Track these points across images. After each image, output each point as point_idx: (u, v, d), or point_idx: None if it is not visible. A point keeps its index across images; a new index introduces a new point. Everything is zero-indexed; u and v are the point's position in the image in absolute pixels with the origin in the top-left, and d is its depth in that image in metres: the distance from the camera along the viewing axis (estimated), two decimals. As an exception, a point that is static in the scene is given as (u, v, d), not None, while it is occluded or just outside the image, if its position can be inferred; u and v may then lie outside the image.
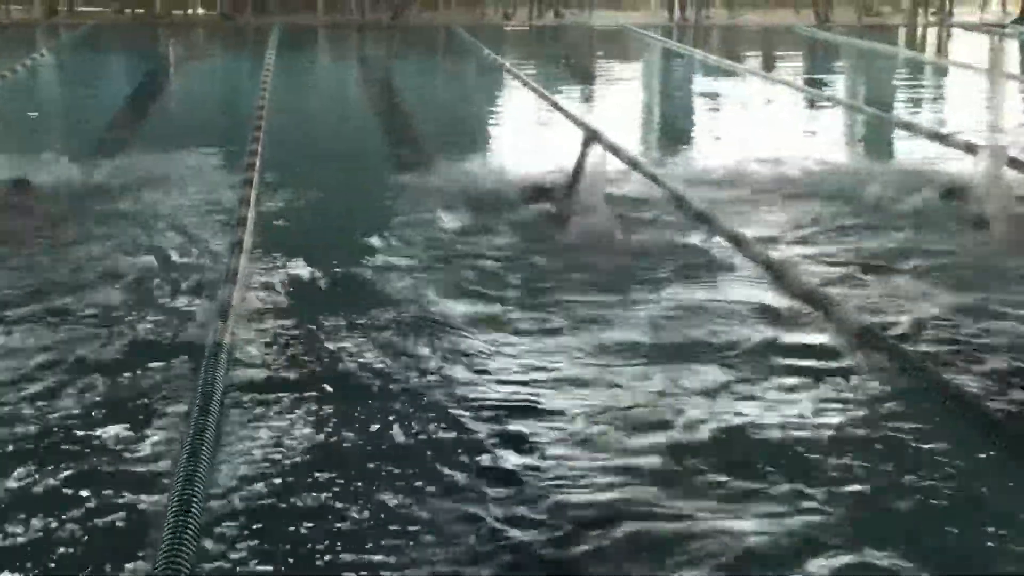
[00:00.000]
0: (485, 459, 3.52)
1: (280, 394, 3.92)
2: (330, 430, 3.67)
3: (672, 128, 9.71)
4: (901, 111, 10.95)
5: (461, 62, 11.26)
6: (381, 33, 18.64)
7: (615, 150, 7.63)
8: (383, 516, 3.17)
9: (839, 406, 3.94)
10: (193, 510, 3.07)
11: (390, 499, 3.25)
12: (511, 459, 3.52)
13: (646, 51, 16.89)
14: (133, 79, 12.69)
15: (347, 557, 2.96)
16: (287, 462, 3.47)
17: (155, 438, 3.60)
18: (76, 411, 3.79)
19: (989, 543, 3.12)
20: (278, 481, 3.35)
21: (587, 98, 11.56)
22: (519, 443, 3.62)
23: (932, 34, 18.80)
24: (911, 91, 13.02)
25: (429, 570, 2.91)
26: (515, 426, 3.74)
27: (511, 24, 19.15)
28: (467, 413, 3.81)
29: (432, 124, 9.11)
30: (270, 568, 2.95)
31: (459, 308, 4.80)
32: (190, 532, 2.95)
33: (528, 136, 8.70)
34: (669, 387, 4.04)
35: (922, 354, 4.37)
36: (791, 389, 4.05)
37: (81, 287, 5.02)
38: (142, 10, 18.68)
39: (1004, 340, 4.56)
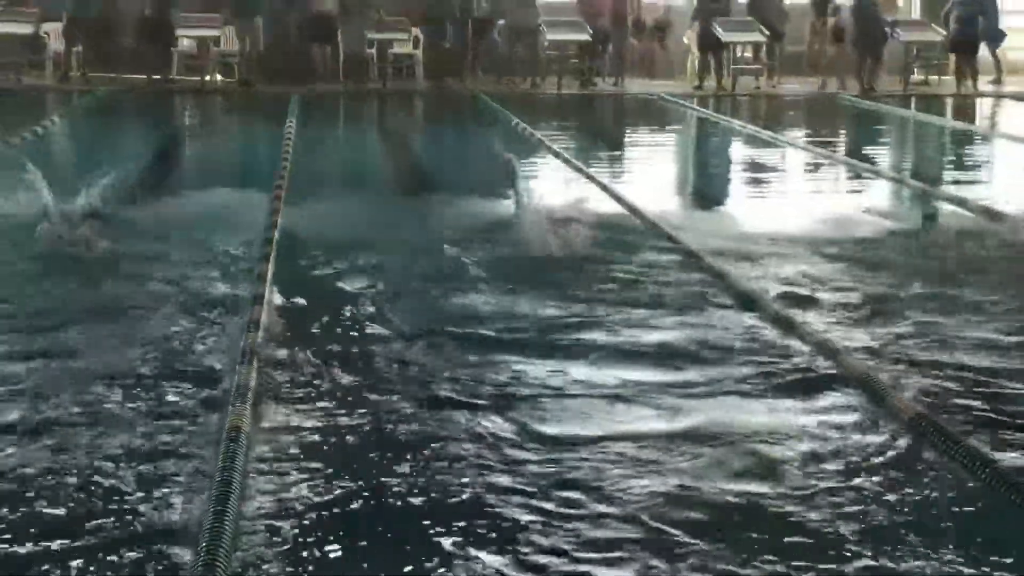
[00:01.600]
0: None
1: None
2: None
3: (721, 209, 9.68)
4: (950, 186, 11.18)
5: (489, 131, 11.47)
6: (404, 101, 19.14)
7: (664, 233, 7.78)
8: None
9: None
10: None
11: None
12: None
13: (681, 121, 17.33)
14: (144, 149, 12.45)
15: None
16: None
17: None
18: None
19: None
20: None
21: (619, 170, 11.88)
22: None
23: (981, 104, 19.12)
24: (959, 163, 13.31)
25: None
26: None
27: (540, 93, 19.59)
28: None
29: (461, 218, 8.23)
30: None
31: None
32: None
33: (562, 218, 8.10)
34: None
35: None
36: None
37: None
38: (158, 76, 19.19)
39: None
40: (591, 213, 8.45)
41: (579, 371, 5.33)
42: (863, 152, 13.75)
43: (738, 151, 14.73)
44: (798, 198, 10.47)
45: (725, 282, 6.91)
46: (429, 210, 8.81)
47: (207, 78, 19.32)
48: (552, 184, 10.11)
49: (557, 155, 12.13)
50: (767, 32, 19.95)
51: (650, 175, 11.62)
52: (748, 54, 20.98)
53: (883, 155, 14.07)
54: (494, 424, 4.68)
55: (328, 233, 7.89)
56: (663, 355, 5.59)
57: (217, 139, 14.91)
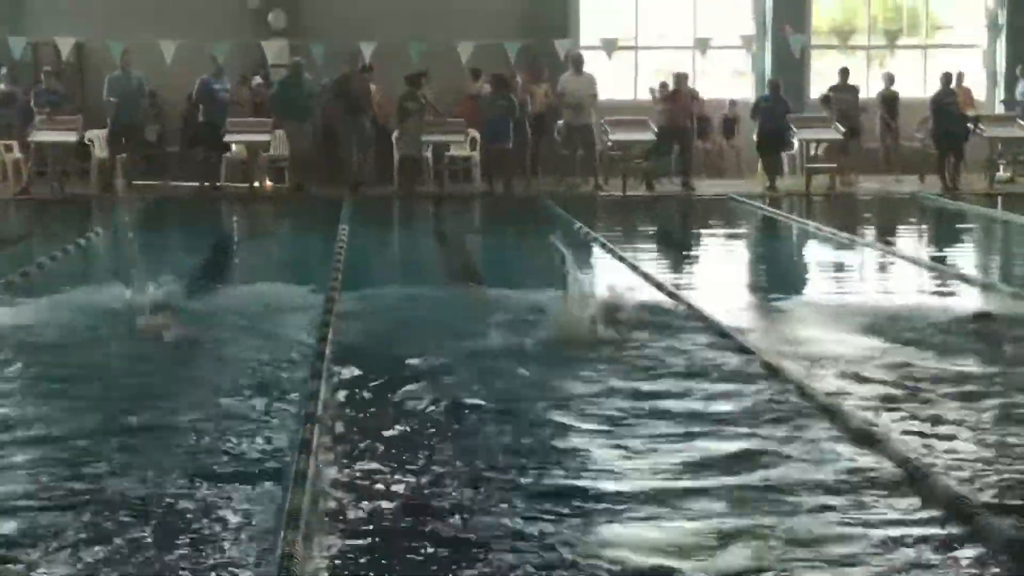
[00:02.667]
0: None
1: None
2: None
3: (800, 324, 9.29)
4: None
5: (551, 238, 11.55)
6: (461, 205, 19.28)
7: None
8: None
9: None
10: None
11: None
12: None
13: (751, 222, 17.29)
14: (189, 260, 12.29)
15: None
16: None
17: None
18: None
19: None
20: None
21: (686, 273, 11.81)
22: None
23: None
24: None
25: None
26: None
27: (604, 194, 19.67)
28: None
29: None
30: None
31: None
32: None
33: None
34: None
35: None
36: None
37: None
38: (207, 183, 19.47)
39: None
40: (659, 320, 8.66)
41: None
42: (947, 254, 13.61)
43: (812, 252, 14.65)
44: (878, 303, 10.32)
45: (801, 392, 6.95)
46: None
47: (256, 184, 19.63)
48: (615, 288, 9.92)
49: (622, 259, 12.11)
50: (842, 128, 19.95)
51: (722, 281, 11.52)
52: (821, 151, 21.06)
53: (968, 256, 13.91)
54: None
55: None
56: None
57: (266, 248, 15.01)
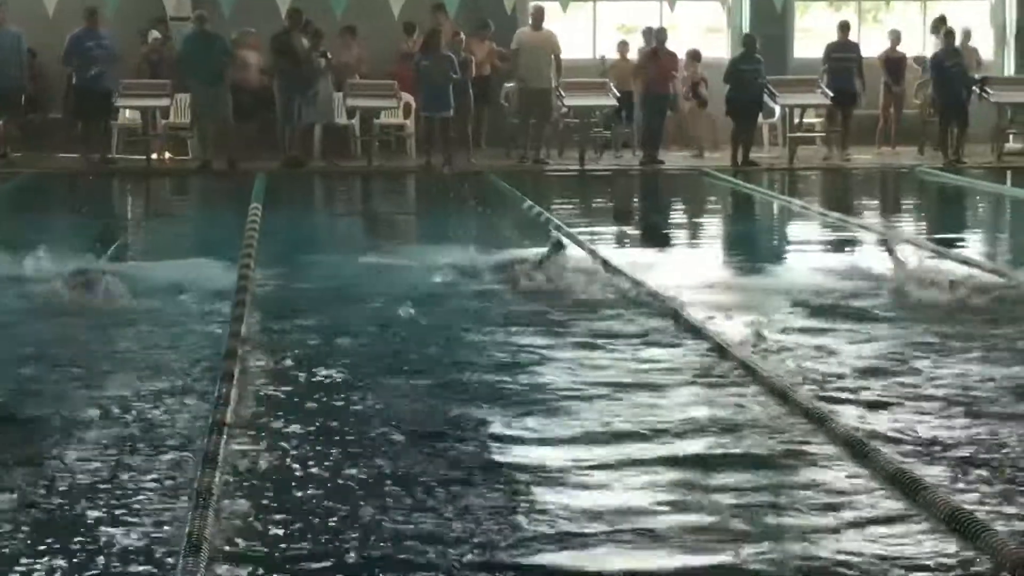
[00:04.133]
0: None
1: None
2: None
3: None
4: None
5: (501, 219, 11.42)
6: (393, 182, 19.05)
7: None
8: None
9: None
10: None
11: None
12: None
13: (727, 201, 17.21)
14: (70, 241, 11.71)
15: None
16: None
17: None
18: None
19: None
20: None
21: (657, 261, 11.63)
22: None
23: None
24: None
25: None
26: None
27: (558, 169, 19.51)
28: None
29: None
30: None
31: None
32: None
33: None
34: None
35: None
36: None
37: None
38: (96, 155, 19.13)
39: None
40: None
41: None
42: (950, 236, 13.47)
43: (796, 234, 14.55)
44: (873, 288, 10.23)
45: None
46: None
47: (154, 156, 19.34)
48: (582, 279, 10.05)
49: (581, 246, 11.91)
50: (830, 93, 19.88)
51: (700, 272, 11.31)
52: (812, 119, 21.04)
53: (973, 240, 13.79)
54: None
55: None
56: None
57: (157, 234, 14.58)
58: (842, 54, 20.18)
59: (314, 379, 7.34)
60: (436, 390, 7.11)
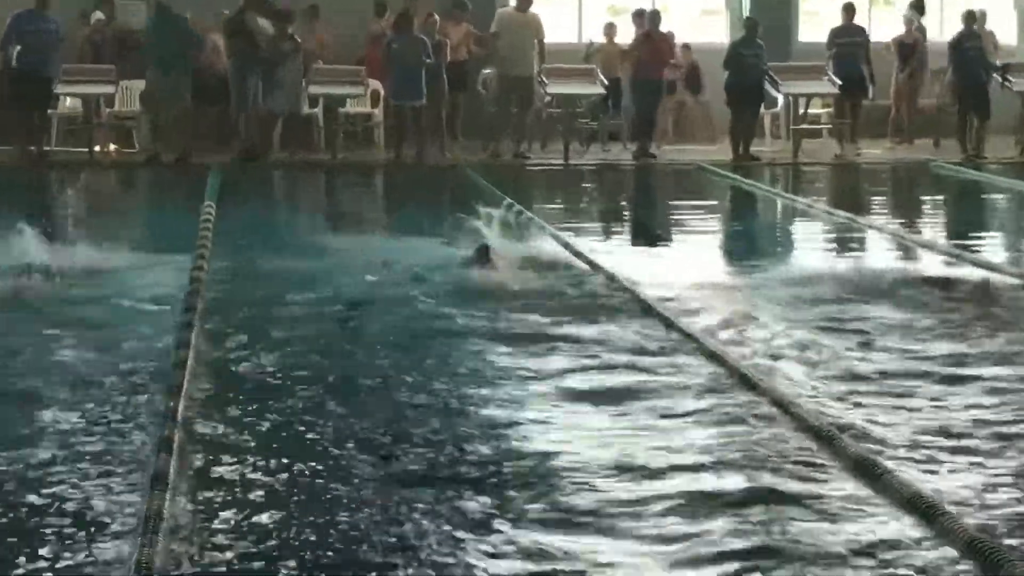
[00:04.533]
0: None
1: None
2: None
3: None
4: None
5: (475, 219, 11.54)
6: (359, 177, 18.99)
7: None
8: None
9: None
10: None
11: None
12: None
13: (723, 198, 17.20)
14: None
15: None
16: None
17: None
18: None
19: None
20: None
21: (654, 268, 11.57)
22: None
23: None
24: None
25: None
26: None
27: (541, 163, 19.47)
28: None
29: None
30: None
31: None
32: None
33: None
34: None
35: None
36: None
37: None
38: (33, 147, 19.02)
39: None
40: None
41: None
42: (970, 242, 13.43)
43: (800, 236, 14.53)
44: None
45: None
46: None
47: (97, 148, 19.23)
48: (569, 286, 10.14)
49: (567, 247, 11.87)
50: (838, 81, 19.87)
51: (692, 277, 11.26)
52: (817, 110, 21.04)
53: (992, 242, 13.74)
54: None
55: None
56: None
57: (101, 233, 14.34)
58: (847, 39, 20.15)
59: (267, 400, 7.30)
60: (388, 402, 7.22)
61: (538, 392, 7.44)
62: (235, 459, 6.31)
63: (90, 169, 18.86)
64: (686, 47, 21.39)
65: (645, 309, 9.33)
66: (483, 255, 10.77)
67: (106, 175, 19.01)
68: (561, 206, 16.52)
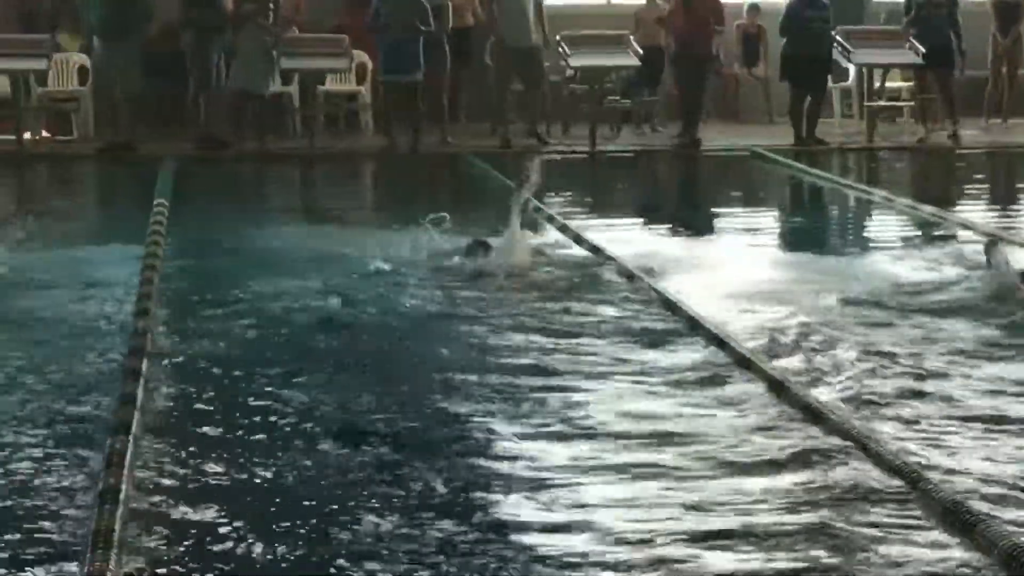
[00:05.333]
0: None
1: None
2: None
3: None
4: None
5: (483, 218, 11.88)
6: (342, 169, 18.86)
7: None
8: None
9: None
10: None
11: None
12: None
13: (780, 193, 17.11)
14: None
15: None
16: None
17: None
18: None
19: None
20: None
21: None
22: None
23: None
24: None
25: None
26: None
27: (560, 149, 19.37)
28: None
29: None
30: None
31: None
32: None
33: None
34: None
35: None
36: None
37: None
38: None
39: None
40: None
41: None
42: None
43: (875, 235, 14.35)
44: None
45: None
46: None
47: (27, 135, 19.17)
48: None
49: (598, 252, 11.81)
50: (921, 48, 19.72)
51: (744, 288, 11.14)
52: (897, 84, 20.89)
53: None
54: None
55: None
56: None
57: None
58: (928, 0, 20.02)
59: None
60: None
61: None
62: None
63: (19, 161, 18.73)
64: (754, 7, 21.27)
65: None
66: (481, 248, 11.63)
67: (38, 168, 18.89)
68: (582, 202, 16.36)
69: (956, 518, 5.96)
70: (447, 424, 7.47)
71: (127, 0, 18.77)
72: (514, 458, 6.92)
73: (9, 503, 6.37)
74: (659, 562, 5.67)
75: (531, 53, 19.41)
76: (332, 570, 5.62)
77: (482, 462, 6.87)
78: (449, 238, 12.10)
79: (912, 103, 20.80)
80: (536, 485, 6.50)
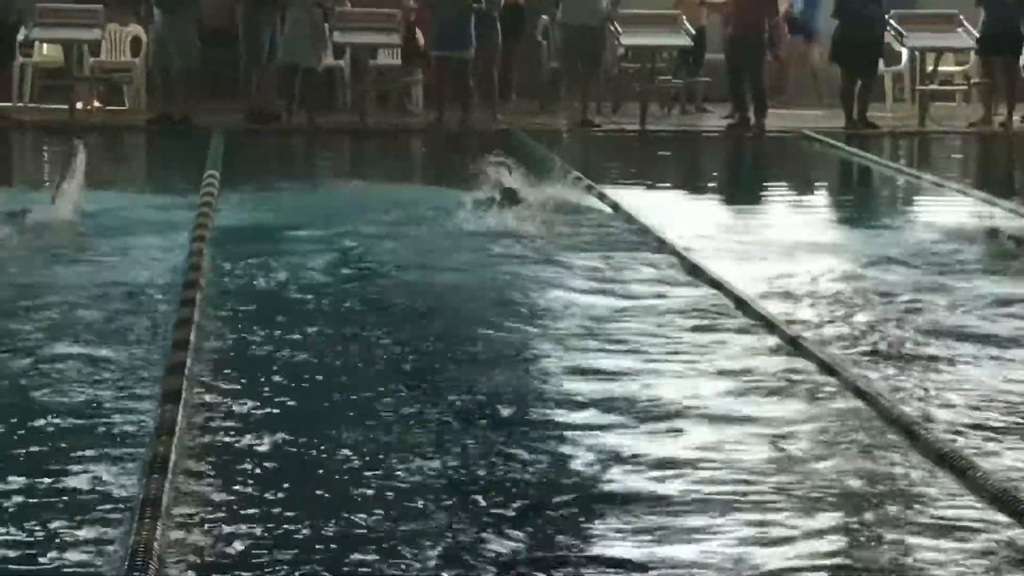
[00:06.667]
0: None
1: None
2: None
3: None
4: None
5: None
6: (393, 146, 18.79)
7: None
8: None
9: None
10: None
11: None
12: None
13: (833, 175, 17.10)
14: None
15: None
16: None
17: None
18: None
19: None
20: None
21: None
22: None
23: None
24: None
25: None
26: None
27: (611, 128, 19.32)
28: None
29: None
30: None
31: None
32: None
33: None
34: None
35: None
36: None
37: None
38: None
39: None
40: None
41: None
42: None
43: (926, 220, 14.17)
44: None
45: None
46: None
47: (79, 105, 19.19)
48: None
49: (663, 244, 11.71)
50: (976, 34, 19.56)
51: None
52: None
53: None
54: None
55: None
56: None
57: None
58: None
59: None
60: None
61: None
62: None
63: (70, 128, 18.68)
64: None
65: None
66: (510, 197, 12.50)
67: (89, 138, 18.86)
68: (636, 180, 16.29)
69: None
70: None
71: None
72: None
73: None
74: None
75: (594, 33, 19.28)
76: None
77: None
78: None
79: (965, 87, 20.63)
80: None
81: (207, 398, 7.39)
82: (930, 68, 20.19)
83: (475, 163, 13.46)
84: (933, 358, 8.36)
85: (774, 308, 9.32)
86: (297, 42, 18.83)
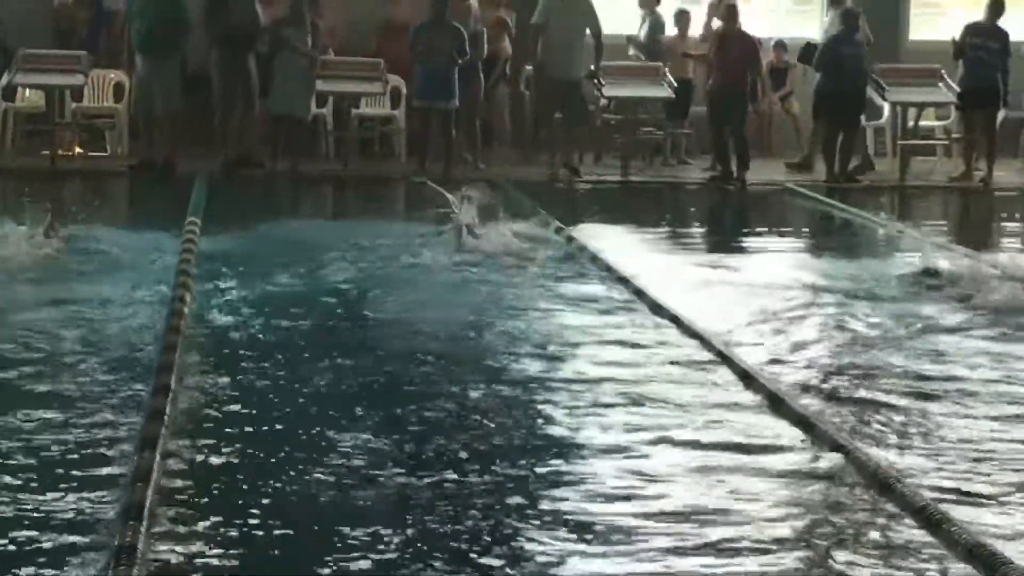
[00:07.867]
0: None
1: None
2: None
3: None
4: None
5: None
6: (374, 191, 18.80)
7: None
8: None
9: None
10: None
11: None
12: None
13: (812, 228, 17.11)
14: None
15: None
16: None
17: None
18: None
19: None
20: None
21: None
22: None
23: None
24: None
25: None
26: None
27: (593, 179, 19.31)
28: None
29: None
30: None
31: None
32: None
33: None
34: None
35: None
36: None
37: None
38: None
39: None
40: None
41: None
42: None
43: (910, 275, 14.14)
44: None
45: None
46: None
47: (60, 150, 19.11)
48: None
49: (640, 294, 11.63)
50: (957, 89, 19.61)
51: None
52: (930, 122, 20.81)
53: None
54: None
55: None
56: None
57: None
58: (980, 40, 19.82)
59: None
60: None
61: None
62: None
63: (51, 177, 18.60)
64: (780, 45, 21.25)
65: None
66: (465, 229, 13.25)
67: (70, 179, 18.80)
68: (618, 231, 16.25)
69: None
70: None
71: (169, 18, 18.64)
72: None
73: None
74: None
75: (575, 87, 19.26)
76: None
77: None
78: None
79: (946, 142, 20.66)
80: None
81: (181, 443, 7.34)
82: (911, 123, 20.15)
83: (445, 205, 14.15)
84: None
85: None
86: (291, 91, 18.78)
